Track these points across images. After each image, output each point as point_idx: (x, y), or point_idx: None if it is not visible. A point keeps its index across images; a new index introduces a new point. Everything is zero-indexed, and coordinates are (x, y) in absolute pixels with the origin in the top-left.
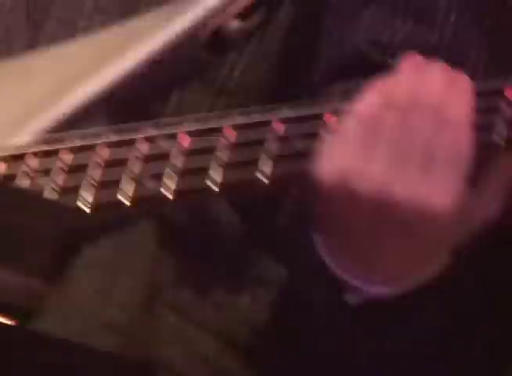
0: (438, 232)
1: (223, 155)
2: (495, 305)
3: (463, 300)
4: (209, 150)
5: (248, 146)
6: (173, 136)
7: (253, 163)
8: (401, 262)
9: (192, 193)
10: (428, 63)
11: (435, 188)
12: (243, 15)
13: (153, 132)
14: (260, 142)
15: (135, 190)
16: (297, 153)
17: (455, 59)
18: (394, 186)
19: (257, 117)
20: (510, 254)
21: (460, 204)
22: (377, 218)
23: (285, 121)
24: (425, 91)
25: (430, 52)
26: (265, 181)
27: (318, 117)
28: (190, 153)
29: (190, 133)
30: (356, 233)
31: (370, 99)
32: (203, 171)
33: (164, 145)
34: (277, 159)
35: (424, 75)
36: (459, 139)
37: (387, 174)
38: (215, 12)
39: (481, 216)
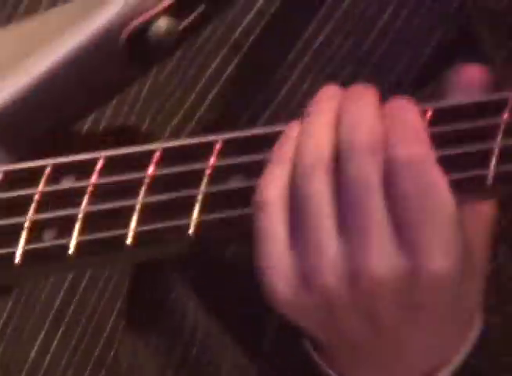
0: (447, 298)
1: (141, 196)
2: None
3: None
4: (125, 190)
5: (177, 184)
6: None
7: (179, 206)
8: (423, 351)
9: (97, 247)
10: (347, 93)
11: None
12: (174, 10)
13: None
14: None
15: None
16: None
17: None
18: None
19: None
20: None
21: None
22: (373, 314)
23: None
24: (355, 138)
25: None
26: (190, 231)
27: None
28: (101, 193)
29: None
30: (355, 340)
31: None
32: (113, 217)
33: (68, 182)
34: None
35: (349, 113)
36: (426, 188)
37: (353, 256)
38: (137, 6)
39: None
